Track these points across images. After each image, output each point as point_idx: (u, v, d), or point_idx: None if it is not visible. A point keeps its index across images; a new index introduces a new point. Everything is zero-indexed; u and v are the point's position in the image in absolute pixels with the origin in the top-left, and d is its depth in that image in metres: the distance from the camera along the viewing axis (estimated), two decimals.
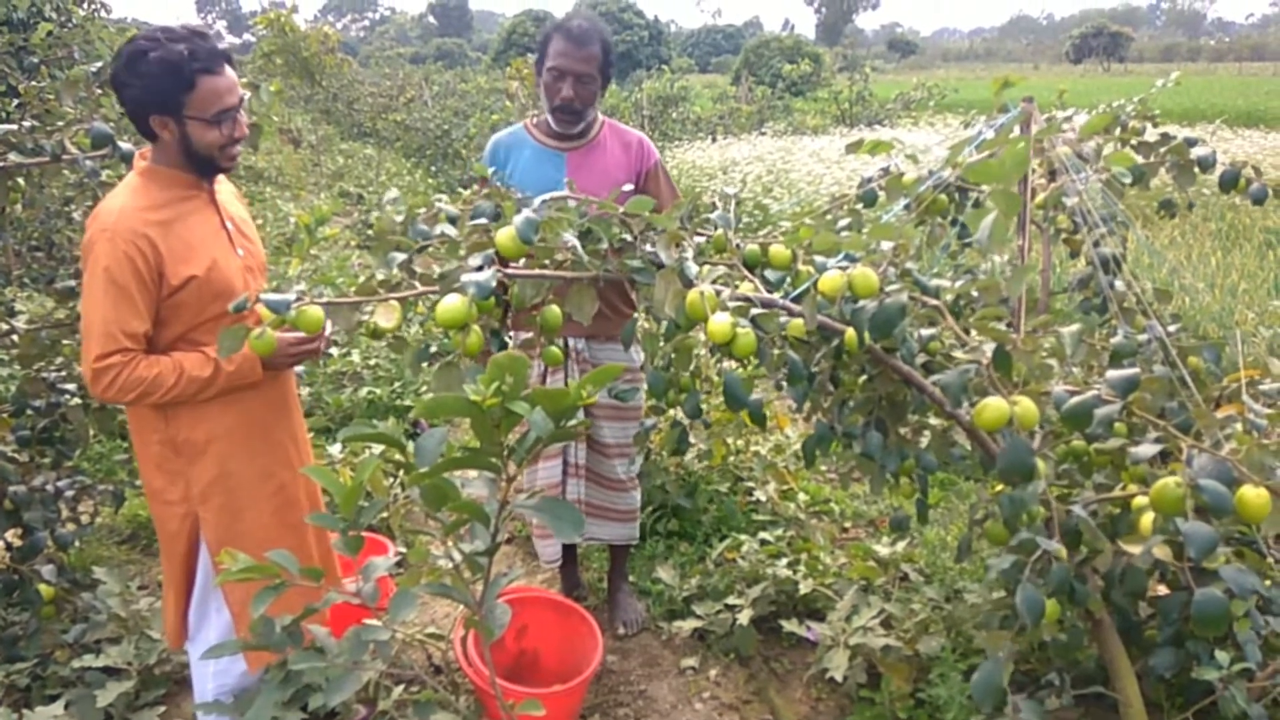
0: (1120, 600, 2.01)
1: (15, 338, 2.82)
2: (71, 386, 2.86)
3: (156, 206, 1.94)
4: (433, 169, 13.91)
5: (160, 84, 1.88)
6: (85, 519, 2.97)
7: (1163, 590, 2.16)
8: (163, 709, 2.48)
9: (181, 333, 2.00)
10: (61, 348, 2.90)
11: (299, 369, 2.34)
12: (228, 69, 1.96)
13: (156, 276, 1.91)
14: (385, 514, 3.28)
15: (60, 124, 2.68)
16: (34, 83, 3.06)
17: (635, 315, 2.60)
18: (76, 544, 2.95)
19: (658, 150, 2.82)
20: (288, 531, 2.20)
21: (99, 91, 2.92)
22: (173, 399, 1.95)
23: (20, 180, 2.97)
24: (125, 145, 2.49)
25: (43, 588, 2.62)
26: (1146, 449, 1.60)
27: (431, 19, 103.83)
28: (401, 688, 2.37)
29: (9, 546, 2.70)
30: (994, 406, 1.56)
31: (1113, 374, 1.66)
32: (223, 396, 2.05)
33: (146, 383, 1.90)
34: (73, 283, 2.85)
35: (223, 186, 2.17)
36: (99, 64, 2.80)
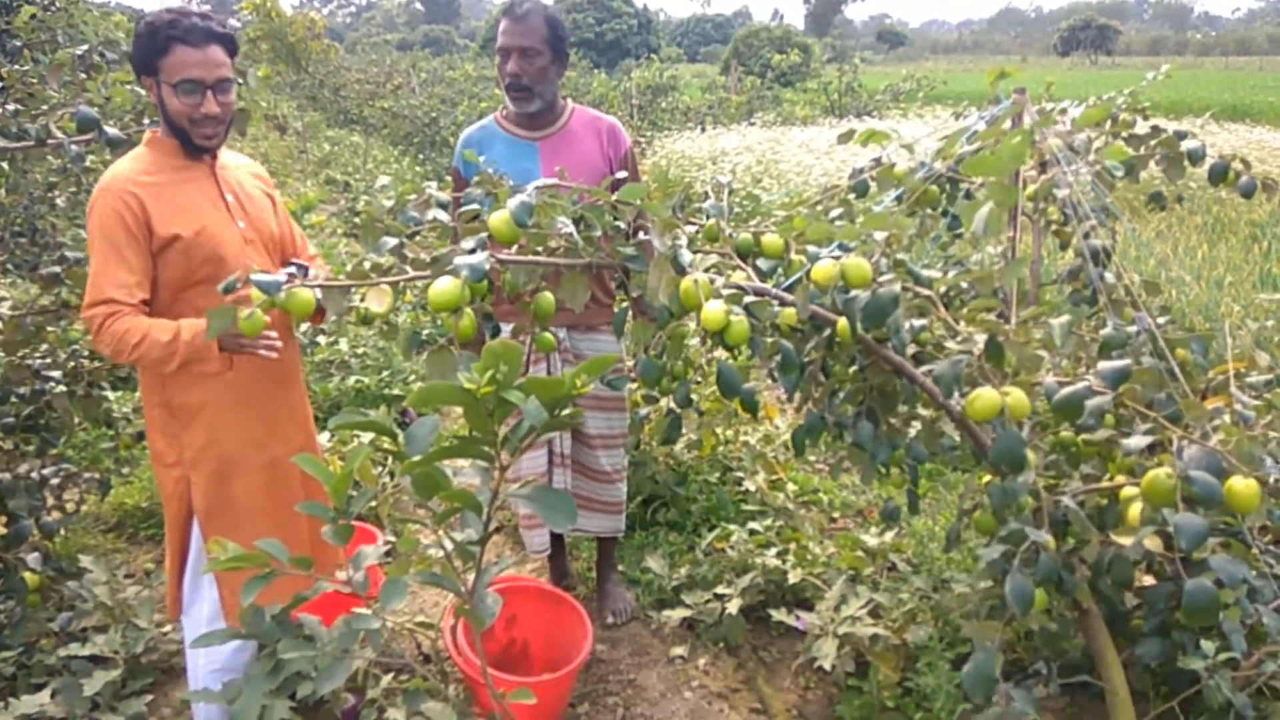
0: (1107, 590, 2.02)
1: None
2: (56, 374, 2.83)
3: (152, 171, 2.06)
4: (420, 157, 13.83)
5: (141, 43, 2.01)
6: (71, 507, 2.95)
7: (1149, 580, 2.18)
8: (150, 697, 2.47)
9: (173, 293, 2.07)
10: (46, 334, 2.88)
11: (297, 335, 2.37)
12: (214, 49, 2.03)
13: (146, 232, 2.01)
14: (374, 503, 3.27)
15: (44, 108, 2.66)
16: (17, 67, 3.03)
17: (621, 304, 2.60)
18: (62, 532, 2.93)
19: (641, 138, 2.84)
20: (277, 506, 2.21)
21: (84, 75, 2.89)
22: (137, 359, 2.01)
23: (4, 165, 2.94)
24: (111, 130, 2.47)
25: (28, 576, 2.60)
26: (1139, 440, 1.61)
27: (419, 5, 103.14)
28: (390, 676, 2.37)
29: None
30: (985, 397, 1.57)
31: (1104, 365, 1.66)
32: (210, 365, 2.07)
33: (117, 338, 1.98)
34: (57, 269, 2.82)
35: (234, 164, 2.26)
36: (84, 47, 2.77)
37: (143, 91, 2.63)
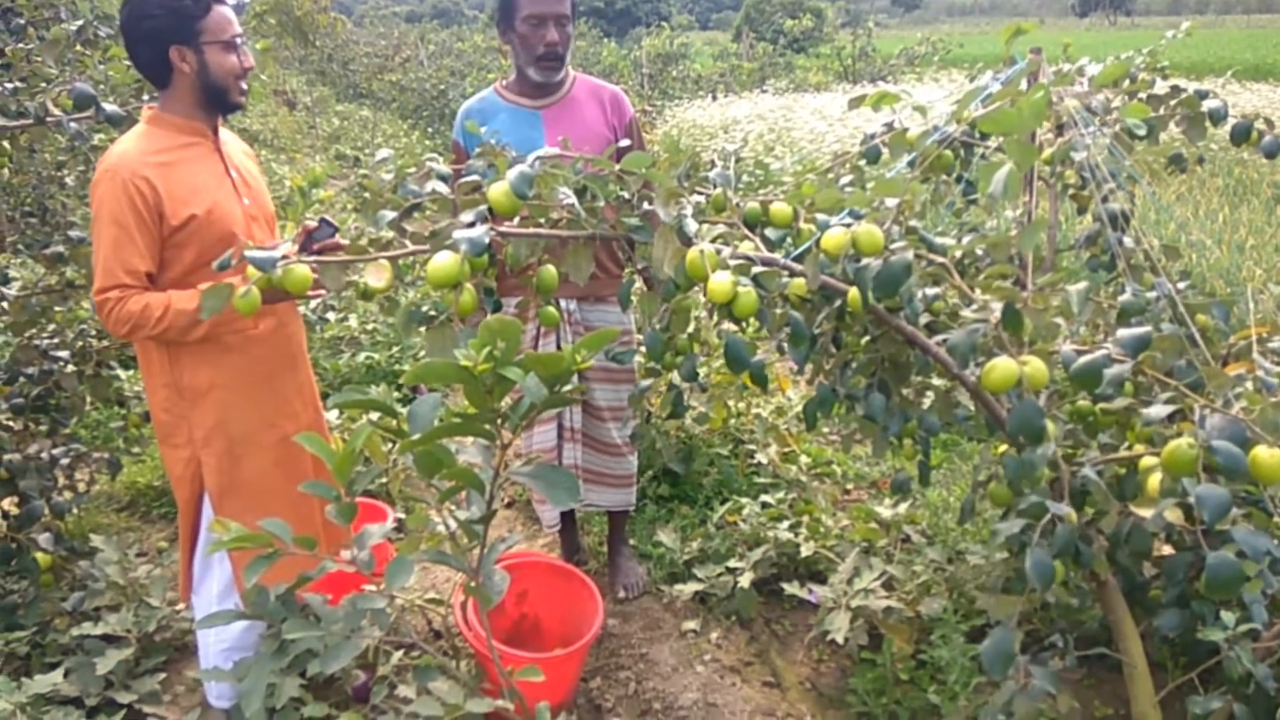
0: (1125, 561, 1.98)
1: (5, 305, 2.78)
2: (65, 354, 2.82)
3: (159, 150, 2.01)
4: (429, 130, 13.75)
5: (180, 7, 1.97)
6: (82, 486, 2.95)
7: (1167, 550, 2.14)
8: (163, 675, 2.48)
9: (183, 274, 2.04)
10: (54, 314, 2.87)
11: (305, 311, 2.35)
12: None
13: (156, 216, 1.97)
14: (385, 479, 3.26)
15: (44, 86, 2.62)
16: (21, 45, 2.99)
17: (630, 275, 2.56)
18: (74, 511, 2.93)
19: (652, 107, 2.78)
20: (290, 483, 2.20)
21: (85, 51, 2.85)
22: (162, 332, 1.99)
23: (5, 144, 2.92)
24: (110, 106, 2.43)
25: (40, 556, 2.61)
26: (1159, 410, 1.56)
27: None
28: (401, 653, 2.36)
29: (5, 515, 2.69)
30: (1002, 367, 1.52)
31: (1123, 333, 1.61)
32: (223, 341, 2.09)
33: (136, 316, 1.95)
34: (62, 249, 2.81)
35: (230, 139, 2.24)
36: (80, 23, 2.73)
37: None
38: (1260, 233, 5.45)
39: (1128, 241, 2.32)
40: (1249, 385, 1.60)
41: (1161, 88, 2.43)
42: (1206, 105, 2.33)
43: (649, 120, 12.60)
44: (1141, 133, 2.17)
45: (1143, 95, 2.41)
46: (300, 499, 2.20)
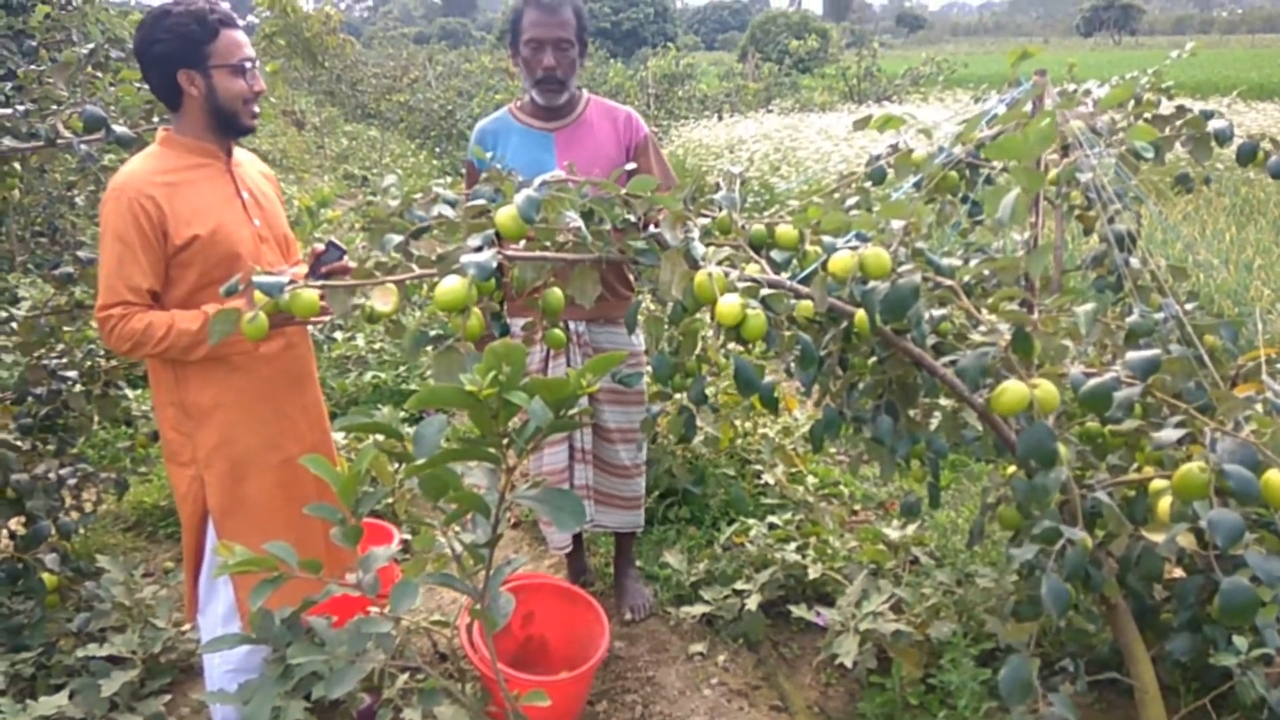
0: (1136, 584, 1.97)
1: (14, 324, 2.80)
2: (73, 374, 2.83)
3: (167, 170, 2.04)
4: (437, 150, 13.83)
5: (188, 31, 1.99)
6: (89, 507, 2.96)
7: (1178, 573, 2.12)
8: (168, 697, 2.47)
9: (188, 293, 2.06)
10: (62, 334, 2.88)
11: (313, 331, 2.35)
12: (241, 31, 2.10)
13: (160, 235, 2.00)
14: (391, 500, 3.26)
15: (55, 108, 2.65)
16: (33, 66, 3.02)
17: (637, 298, 2.56)
18: (80, 532, 2.93)
19: (658, 127, 2.79)
20: (292, 504, 2.20)
21: (96, 74, 2.88)
22: (164, 351, 2.00)
23: (16, 165, 2.94)
24: (120, 128, 2.46)
25: (46, 576, 2.61)
26: (1170, 433, 1.56)
27: None
28: (406, 676, 2.35)
29: (12, 535, 2.69)
30: (1013, 390, 1.51)
31: (1133, 355, 1.61)
32: (229, 361, 2.10)
33: (138, 334, 1.97)
34: (71, 269, 2.82)
35: (247, 161, 2.26)
36: (90, 46, 2.76)
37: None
38: (1268, 252, 5.44)
39: (1134, 262, 2.31)
40: (1259, 407, 1.59)
41: (1167, 108, 2.43)
42: (1212, 125, 2.33)
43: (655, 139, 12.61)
44: (1149, 154, 2.17)
45: (1148, 116, 2.41)
46: (303, 520, 2.20)
